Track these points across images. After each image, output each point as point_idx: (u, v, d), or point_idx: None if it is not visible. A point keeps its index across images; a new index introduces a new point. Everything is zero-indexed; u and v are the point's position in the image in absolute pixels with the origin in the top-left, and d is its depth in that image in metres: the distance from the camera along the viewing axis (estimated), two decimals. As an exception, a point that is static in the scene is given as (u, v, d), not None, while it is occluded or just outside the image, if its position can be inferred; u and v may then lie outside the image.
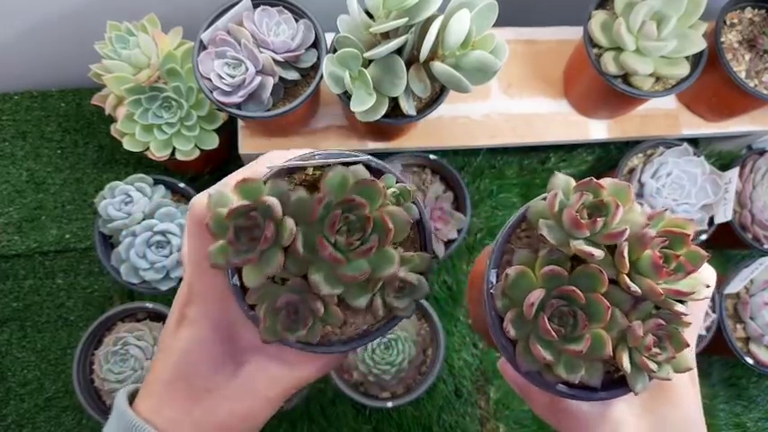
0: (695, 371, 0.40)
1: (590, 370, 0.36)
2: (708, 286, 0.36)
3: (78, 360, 0.78)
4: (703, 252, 0.35)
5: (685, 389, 0.39)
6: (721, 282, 0.84)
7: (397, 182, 0.38)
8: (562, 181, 0.37)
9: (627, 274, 0.34)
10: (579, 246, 0.34)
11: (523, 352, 0.37)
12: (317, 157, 0.38)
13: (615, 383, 0.38)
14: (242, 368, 0.39)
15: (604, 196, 0.35)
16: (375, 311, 0.38)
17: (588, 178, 0.36)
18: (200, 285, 0.39)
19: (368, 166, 0.38)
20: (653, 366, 0.35)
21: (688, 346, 0.35)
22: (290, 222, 0.34)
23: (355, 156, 0.38)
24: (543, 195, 0.38)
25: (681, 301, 0.35)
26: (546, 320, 0.35)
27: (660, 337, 0.35)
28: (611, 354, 0.35)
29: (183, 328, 0.38)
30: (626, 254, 0.34)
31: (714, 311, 0.81)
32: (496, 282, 0.38)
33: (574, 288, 0.35)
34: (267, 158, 0.39)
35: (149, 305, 0.80)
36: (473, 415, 0.89)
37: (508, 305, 0.37)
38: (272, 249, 0.35)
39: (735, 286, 0.82)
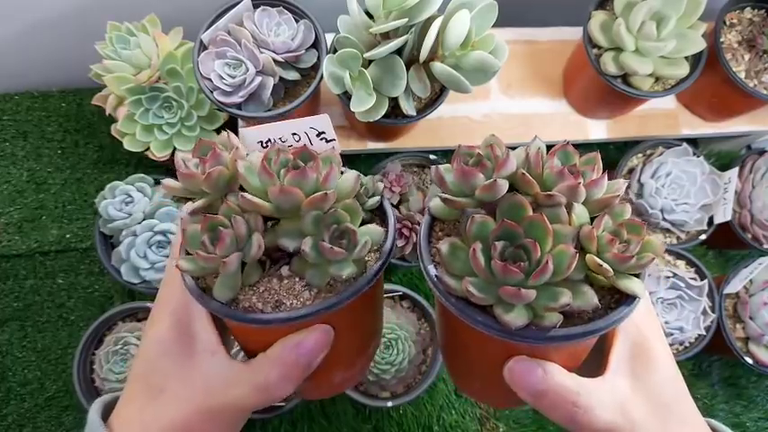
0: (662, 331, 0.41)
1: (578, 294, 0.33)
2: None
3: (79, 360, 0.78)
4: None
5: (662, 352, 0.40)
6: (720, 281, 0.84)
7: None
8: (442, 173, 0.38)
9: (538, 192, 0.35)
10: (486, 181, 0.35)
11: (504, 309, 0.33)
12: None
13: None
14: (191, 372, 0.39)
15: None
16: (303, 251, 0.35)
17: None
18: (167, 289, 0.40)
19: None
20: (629, 256, 0.33)
21: (646, 228, 0.34)
22: (242, 149, 0.36)
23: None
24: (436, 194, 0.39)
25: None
26: (500, 262, 0.32)
27: (616, 232, 0.33)
28: (575, 261, 0.32)
29: (149, 328, 0.40)
30: (527, 174, 0.35)
31: (714, 311, 0.82)
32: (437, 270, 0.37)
33: (504, 219, 0.33)
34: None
35: (150, 305, 0.80)
36: (473, 414, 0.89)
37: (458, 278, 0.35)
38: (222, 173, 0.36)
39: (734, 286, 0.82)
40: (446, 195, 0.37)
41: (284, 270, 0.38)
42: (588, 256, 0.34)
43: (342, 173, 0.38)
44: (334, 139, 0.38)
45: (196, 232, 0.36)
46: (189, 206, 0.38)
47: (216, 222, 0.35)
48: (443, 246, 0.35)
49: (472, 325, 0.34)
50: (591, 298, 0.33)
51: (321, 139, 0.38)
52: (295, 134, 0.38)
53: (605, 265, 0.33)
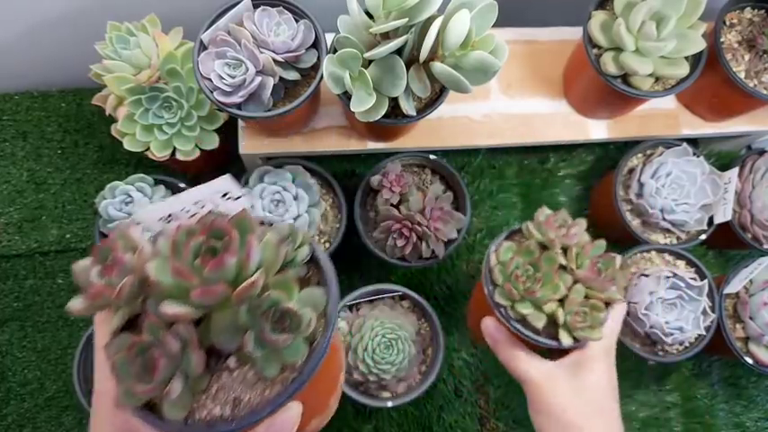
0: (614, 351, 0.59)
1: (535, 316, 0.57)
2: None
3: (79, 360, 0.78)
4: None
5: (599, 361, 0.57)
6: (720, 281, 0.84)
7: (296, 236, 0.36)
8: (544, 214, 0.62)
9: (573, 265, 0.58)
10: (548, 235, 0.59)
11: (501, 292, 0.59)
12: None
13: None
14: None
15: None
16: (246, 351, 0.32)
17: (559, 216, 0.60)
18: (100, 415, 0.37)
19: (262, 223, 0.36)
20: (579, 326, 0.56)
21: (602, 324, 0.56)
22: (146, 246, 0.32)
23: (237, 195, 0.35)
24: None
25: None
26: (518, 274, 0.58)
27: (585, 312, 0.57)
28: (552, 307, 0.57)
29: None
30: (574, 253, 0.58)
31: (714, 311, 0.82)
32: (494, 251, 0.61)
33: (539, 257, 0.58)
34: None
35: (150, 305, 0.80)
36: (473, 414, 0.89)
37: (498, 264, 0.60)
38: (124, 278, 0.32)
39: (734, 286, 0.82)
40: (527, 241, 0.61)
41: (231, 361, 0.34)
42: (558, 312, 0.57)
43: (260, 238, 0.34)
44: (240, 195, 0.35)
45: (124, 361, 0.32)
46: (103, 320, 0.34)
47: (143, 345, 0.31)
48: (505, 245, 0.62)
49: (485, 288, 0.60)
50: (540, 322, 0.57)
51: (227, 199, 0.35)
52: (198, 202, 0.35)
53: (560, 321, 0.57)
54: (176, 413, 0.32)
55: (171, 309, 0.30)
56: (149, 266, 0.31)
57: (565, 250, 0.59)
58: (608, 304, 0.60)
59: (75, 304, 0.33)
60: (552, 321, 0.57)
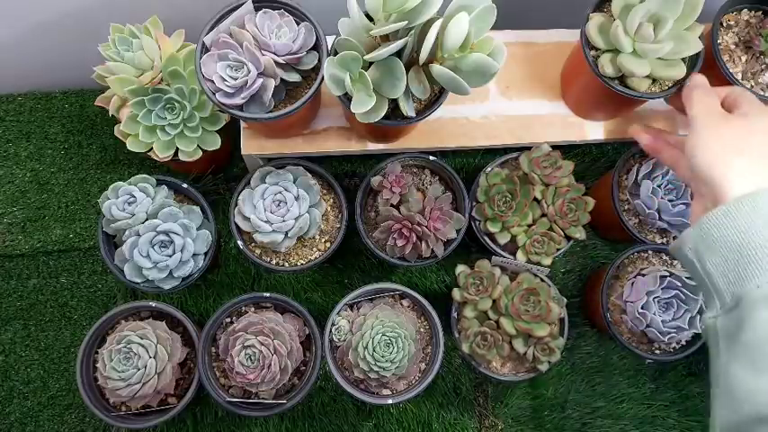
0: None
1: (501, 235, 0.75)
2: None
3: (82, 358, 0.79)
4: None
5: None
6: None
7: None
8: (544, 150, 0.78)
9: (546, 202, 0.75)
10: (532, 173, 0.75)
11: (478, 209, 0.76)
12: None
13: None
14: None
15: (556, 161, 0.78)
16: None
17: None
18: None
19: None
20: (534, 251, 0.74)
21: (557, 250, 0.75)
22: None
23: None
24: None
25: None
26: (496, 199, 0.75)
27: (543, 241, 0.73)
28: (517, 231, 0.75)
29: None
30: (550, 191, 0.72)
31: (710, 310, 0.82)
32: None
33: (518, 189, 0.73)
34: None
35: (153, 304, 0.81)
36: (472, 412, 0.90)
37: (484, 185, 0.78)
38: None
39: (731, 285, 0.83)
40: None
41: None
42: (523, 234, 0.75)
43: None
44: None
45: None
46: None
47: None
48: (496, 170, 0.79)
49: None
50: (503, 239, 0.78)
51: None
52: None
53: (522, 242, 0.75)
54: None
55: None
56: None
57: (548, 186, 0.73)
58: (569, 238, 0.76)
59: None
60: (514, 242, 0.75)
